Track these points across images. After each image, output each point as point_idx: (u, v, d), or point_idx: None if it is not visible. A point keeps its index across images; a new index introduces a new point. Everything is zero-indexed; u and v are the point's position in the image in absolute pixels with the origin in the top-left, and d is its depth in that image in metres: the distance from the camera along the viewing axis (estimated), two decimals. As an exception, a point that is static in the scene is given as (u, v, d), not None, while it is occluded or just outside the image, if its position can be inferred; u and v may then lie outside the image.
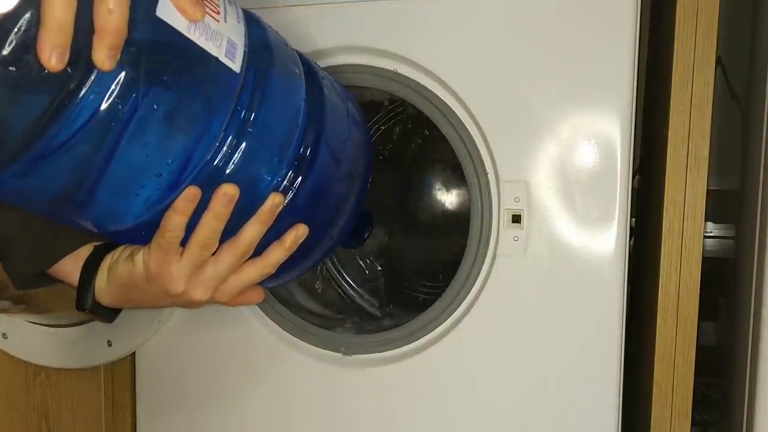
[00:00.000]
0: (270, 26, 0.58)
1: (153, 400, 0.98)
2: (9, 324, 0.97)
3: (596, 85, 0.75)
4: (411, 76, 0.81)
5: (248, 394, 0.92)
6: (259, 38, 0.54)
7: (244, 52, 0.51)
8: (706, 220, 0.78)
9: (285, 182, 0.56)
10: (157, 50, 0.43)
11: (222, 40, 0.48)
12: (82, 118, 0.41)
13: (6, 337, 0.98)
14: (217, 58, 0.48)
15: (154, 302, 0.58)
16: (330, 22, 0.83)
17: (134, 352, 0.97)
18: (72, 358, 0.97)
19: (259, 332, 0.91)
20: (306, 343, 0.89)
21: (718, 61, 0.94)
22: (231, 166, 0.51)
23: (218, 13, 0.49)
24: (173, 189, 0.49)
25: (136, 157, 0.45)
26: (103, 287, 0.59)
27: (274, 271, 0.58)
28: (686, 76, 0.77)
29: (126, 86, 0.42)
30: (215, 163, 0.50)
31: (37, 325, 0.97)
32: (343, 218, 0.67)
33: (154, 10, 0.43)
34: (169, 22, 0.44)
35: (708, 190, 0.78)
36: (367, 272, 1.11)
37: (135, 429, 1.00)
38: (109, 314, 0.61)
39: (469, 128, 0.80)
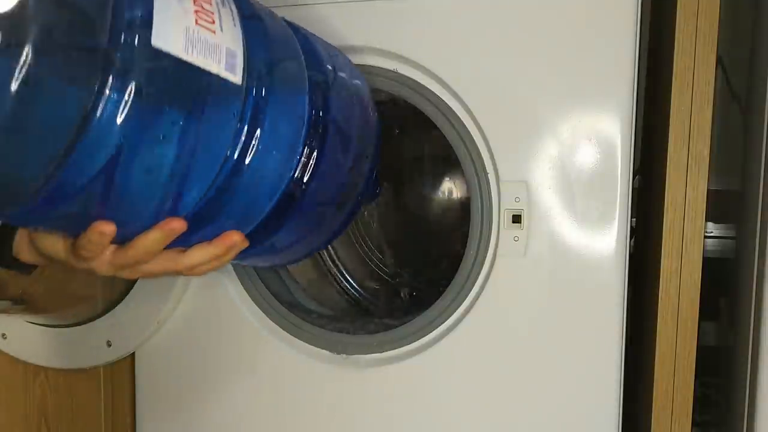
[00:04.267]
0: (268, 11, 0.58)
1: (153, 400, 0.98)
2: (9, 324, 0.96)
3: (596, 85, 0.75)
4: (411, 76, 0.81)
5: (248, 395, 0.92)
6: (257, 37, 0.54)
7: (244, 57, 0.51)
8: (707, 220, 0.78)
9: (293, 180, 0.56)
10: (156, 79, 0.43)
11: (220, 54, 0.48)
12: (89, 156, 0.41)
13: (6, 338, 0.98)
14: (217, 75, 0.48)
15: (75, 270, 0.56)
16: (330, 22, 0.83)
17: (134, 352, 0.97)
18: (72, 358, 0.97)
19: (260, 333, 0.91)
20: (306, 344, 0.89)
21: (719, 61, 0.94)
22: (238, 179, 0.51)
23: (213, 23, 0.48)
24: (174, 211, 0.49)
25: (138, 187, 0.46)
26: (22, 246, 0.57)
27: (198, 274, 0.57)
28: (686, 77, 0.77)
29: (129, 119, 0.42)
30: (220, 184, 0.50)
31: (37, 325, 0.96)
32: (342, 214, 0.67)
33: (149, 39, 0.43)
34: (165, 48, 0.43)
35: (708, 190, 0.78)
36: (367, 272, 1.11)
37: (135, 429, 1.00)
38: (27, 268, 0.59)
39: (469, 128, 0.80)
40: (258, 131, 0.51)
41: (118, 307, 0.94)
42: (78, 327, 0.96)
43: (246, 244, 0.55)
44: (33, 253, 0.56)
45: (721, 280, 1.04)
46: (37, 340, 0.97)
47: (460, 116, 0.80)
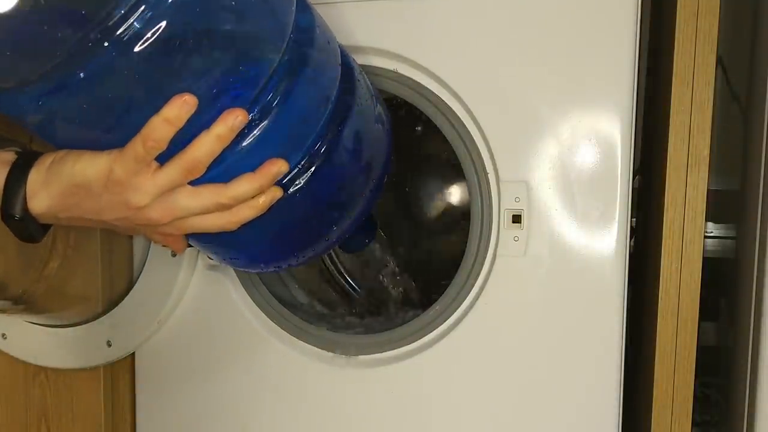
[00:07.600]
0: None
1: (153, 401, 0.98)
2: (9, 324, 0.97)
3: (596, 85, 0.75)
4: (411, 76, 0.81)
5: (248, 395, 0.92)
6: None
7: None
8: (707, 220, 0.78)
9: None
10: None
11: None
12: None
13: (5, 338, 0.98)
14: None
15: (100, 213, 0.51)
16: (330, 22, 0.83)
17: (134, 352, 0.97)
18: (72, 358, 0.97)
19: (260, 333, 0.91)
20: (306, 344, 0.89)
21: (719, 61, 0.94)
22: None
23: None
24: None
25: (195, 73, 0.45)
26: (37, 190, 0.51)
27: (237, 223, 0.54)
28: (686, 77, 0.77)
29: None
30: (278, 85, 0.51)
31: (37, 325, 0.96)
32: (348, 219, 0.67)
33: None
34: None
35: (708, 190, 0.78)
36: (367, 273, 1.10)
37: (135, 429, 1.00)
38: (37, 230, 0.53)
39: (469, 128, 0.80)
40: (314, 38, 0.54)
41: (118, 307, 0.94)
42: (78, 327, 0.96)
43: (287, 167, 0.53)
44: (51, 192, 0.50)
45: (721, 280, 1.04)
46: (37, 340, 0.97)
47: (460, 116, 0.80)
